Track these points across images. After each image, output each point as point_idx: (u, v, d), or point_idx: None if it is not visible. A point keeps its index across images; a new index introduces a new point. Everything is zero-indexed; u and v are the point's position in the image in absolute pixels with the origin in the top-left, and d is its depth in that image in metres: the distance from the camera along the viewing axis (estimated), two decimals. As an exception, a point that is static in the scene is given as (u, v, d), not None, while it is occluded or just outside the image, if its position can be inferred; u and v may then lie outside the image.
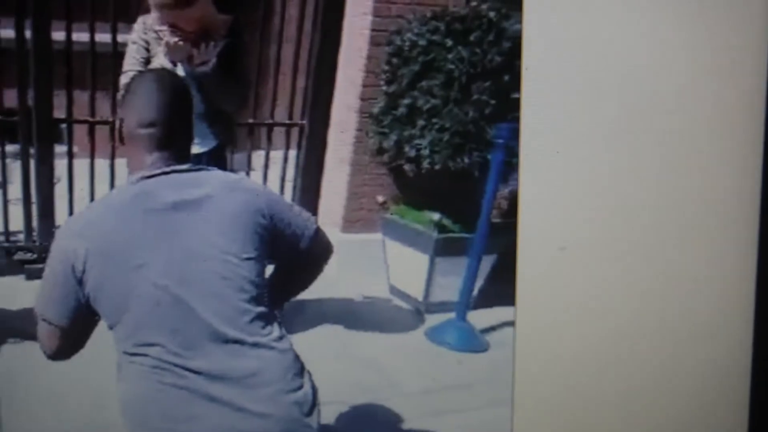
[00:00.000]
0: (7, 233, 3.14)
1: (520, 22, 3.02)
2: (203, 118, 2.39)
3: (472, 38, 3.03)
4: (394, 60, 3.28)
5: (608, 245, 0.95)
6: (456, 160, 3.07)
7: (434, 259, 3.13)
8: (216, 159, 2.46)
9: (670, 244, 0.94)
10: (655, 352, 0.96)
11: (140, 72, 2.17)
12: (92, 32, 3.01)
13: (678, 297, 0.94)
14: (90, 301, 1.34)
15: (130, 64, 2.40)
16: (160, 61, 2.32)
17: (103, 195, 1.63)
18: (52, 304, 1.37)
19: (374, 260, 3.41)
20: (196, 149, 2.32)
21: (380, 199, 3.63)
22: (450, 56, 3.04)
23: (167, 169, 1.36)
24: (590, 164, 0.94)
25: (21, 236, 3.14)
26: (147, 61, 2.37)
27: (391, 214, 3.40)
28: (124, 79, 2.32)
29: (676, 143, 0.91)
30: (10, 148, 3.15)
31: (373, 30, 3.32)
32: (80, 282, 1.32)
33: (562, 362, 1.00)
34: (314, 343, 2.58)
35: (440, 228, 3.15)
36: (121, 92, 2.18)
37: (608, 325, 0.97)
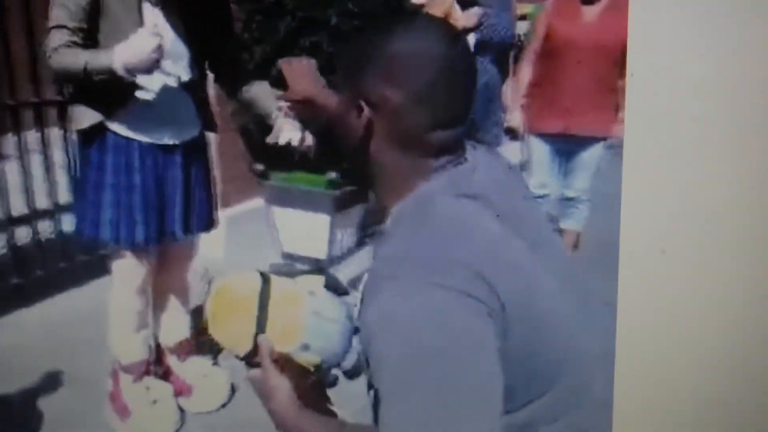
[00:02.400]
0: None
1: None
2: (188, 96, 2.03)
3: None
4: (258, 17, 3.18)
5: (710, 249, 0.94)
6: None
7: (335, 216, 3.19)
8: (200, 150, 2.12)
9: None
10: (760, 358, 0.95)
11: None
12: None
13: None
14: None
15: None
16: None
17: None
18: None
19: (258, 231, 3.33)
20: (171, 140, 1.97)
21: (259, 167, 3.61)
22: (332, 9, 3.25)
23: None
24: (693, 168, 0.93)
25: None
26: None
27: (274, 181, 3.32)
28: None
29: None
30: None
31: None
32: None
33: (662, 366, 1.00)
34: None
35: (336, 185, 3.19)
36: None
37: (710, 329, 0.97)
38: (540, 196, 3.22)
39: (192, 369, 2.29)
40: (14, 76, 2.91)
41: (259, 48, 3.26)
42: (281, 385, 1.04)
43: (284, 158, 3.18)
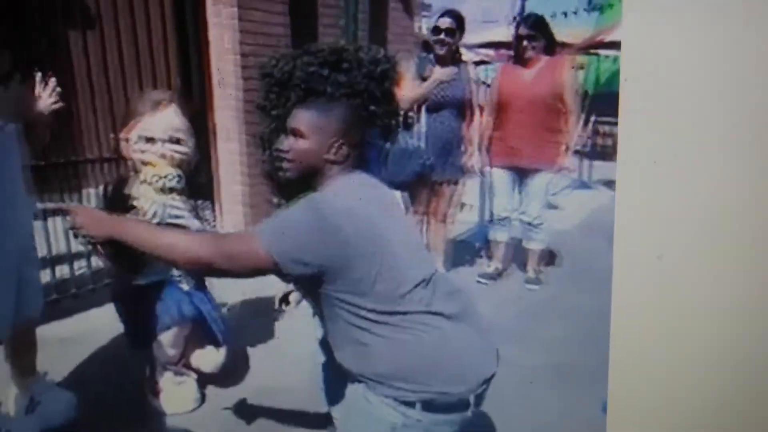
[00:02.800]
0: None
1: (371, 52, 4.07)
2: None
3: (344, 67, 4.24)
4: (275, 89, 4.19)
5: (706, 254, 0.94)
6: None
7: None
8: None
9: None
10: (756, 363, 0.97)
11: None
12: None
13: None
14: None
15: None
16: None
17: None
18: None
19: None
20: None
21: (274, 200, 4.35)
22: (328, 82, 4.20)
23: None
24: (688, 173, 0.93)
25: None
26: None
27: (285, 209, 4.24)
28: None
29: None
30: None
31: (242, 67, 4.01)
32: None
33: (657, 372, 1.01)
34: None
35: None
36: None
37: (706, 335, 0.97)
38: (503, 218, 3.82)
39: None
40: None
41: (274, 112, 4.21)
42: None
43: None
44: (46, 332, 2.43)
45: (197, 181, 2.54)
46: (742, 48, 0.92)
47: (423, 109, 3.66)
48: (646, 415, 1.07)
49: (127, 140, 2.29)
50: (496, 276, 4.02)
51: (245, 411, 2.37)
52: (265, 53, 3.94)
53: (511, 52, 3.87)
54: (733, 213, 0.96)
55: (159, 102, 2.29)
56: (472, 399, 1.70)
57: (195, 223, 2.29)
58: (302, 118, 1.89)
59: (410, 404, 1.66)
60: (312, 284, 1.66)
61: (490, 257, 4.11)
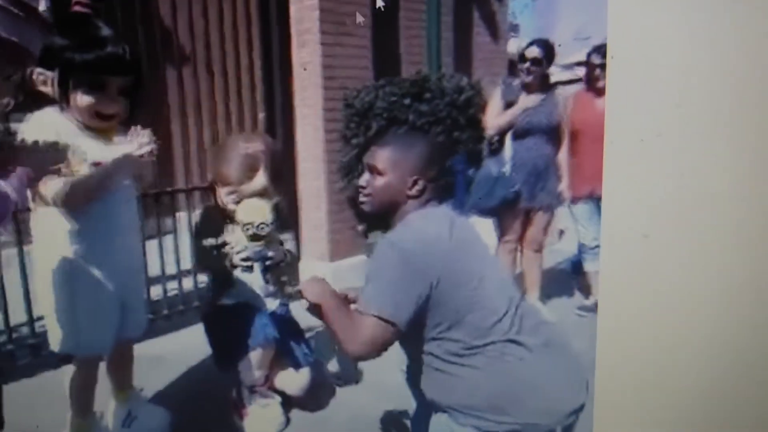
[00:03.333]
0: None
1: (454, 80, 4.13)
2: None
3: (426, 96, 3.93)
4: (355, 119, 3.98)
5: (692, 233, 0.94)
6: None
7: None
8: None
9: (755, 233, 0.93)
10: (741, 343, 0.96)
11: None
12: None
13: (765, 288, 0.95)
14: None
15: None
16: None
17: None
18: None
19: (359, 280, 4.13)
20: None
21: (360, 228, 4.21)
22: (410, 111, 3.90)
23: None
24: (674, 152, 0.92)
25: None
26: None
27: (371, 238, 4.08)
28: None
29: (764, 132, 0.90)
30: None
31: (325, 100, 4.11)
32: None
33: (644, 351, 1.01)
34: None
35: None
36: None
37: (692, 313, 0.97)
38: (593, 247, 3.68)
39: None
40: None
41: (354, 140, 4.32)
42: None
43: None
44: (139, 350, 2.53)
45: (281, 215, 2.63)
46: (728, 25, 0.92)
47: (509, 135, 3.60)
48: (632, 394, 1.07)
49: (218, 190, 2.46)
50: (595, 308, 3.90)
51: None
52: (349, 86, 4.08)
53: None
54: (719, 192, 0.96)
55: (251, 168, 2.41)
56: (559, 430, 1.68)
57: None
58: (380, 155, 1.84)
59: (495, 436, 1.59)
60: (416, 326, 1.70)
61: (588, 289, 3.94)
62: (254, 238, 2.31)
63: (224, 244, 2.36)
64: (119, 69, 2.00)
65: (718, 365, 1.02)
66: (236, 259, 2.32)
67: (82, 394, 2.20)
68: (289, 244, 2.55)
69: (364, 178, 1.86)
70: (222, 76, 3.83)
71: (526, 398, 1.65)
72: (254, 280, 2.43)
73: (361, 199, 1.88)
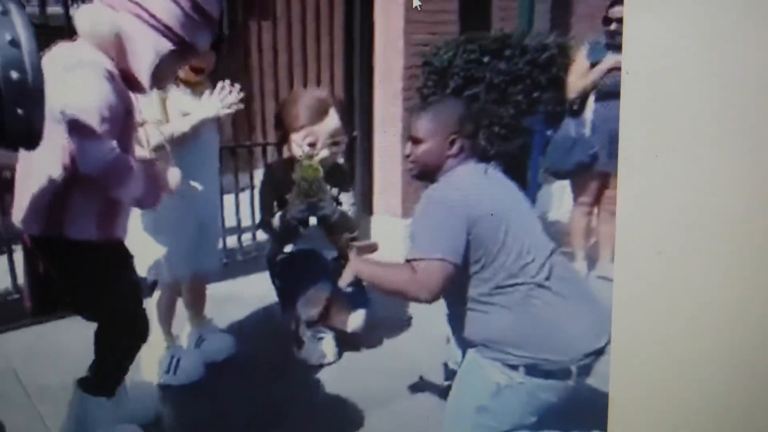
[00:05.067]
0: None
1: (539, 37, 4.22)
2: None
3: (506, 54, 4.02)
4: (433, 77, 4.15)
5: (707, 250, 0.96)
6: (504, 147, 4.11)
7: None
8: None
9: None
10: (757, 360, 0.98)
11: None
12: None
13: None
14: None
15: None
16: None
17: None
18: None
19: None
20: None
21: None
22: (488, 69, 4.01)
23: None
24: (689, 168, 0.95)
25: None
26: None
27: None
28: None
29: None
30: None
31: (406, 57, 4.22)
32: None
33: (659, 367, 1.04)
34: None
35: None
36: None
37: (706, 331, 0.99)
38: None
39: None
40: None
41: (431, 98, 4.48)
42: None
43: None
44: (215, 289, 2.96)
45: (342, 170, 2.96)
46: (744, 41, 0.93)
47: (592, 96, 3.70)
48: (647, 408, 1.09)
49: (292, 138, 2.75)
50: None
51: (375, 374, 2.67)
52: (432, 42, 4.25)
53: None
54: (734, 208, 0.97)
55: (322, 109, 2.71)
56: (574, 369, 1.90)
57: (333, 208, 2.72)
58: (418, 126, 2.11)
59: (514, 368, 1.89)
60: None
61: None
62: (307, 194, 2.60)
63: (285, 201, 2.66)
64: None
65: (734, 381, 1.02)
66: (292, 212, 2.64)
67: (164, 315, 2.62)
68: (348, 206, 2.89)
69: (408, 149, 2.13)
70: (301, 33, 4.07)
71: (546, 337, 1.88)
72: (314, 233, 2.78)
73: (408, 166, 2.17)
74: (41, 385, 2.46)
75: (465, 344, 2.10)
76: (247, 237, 3.97)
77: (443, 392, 2.27)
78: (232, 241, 3.89)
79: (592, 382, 1.95)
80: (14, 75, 1.17)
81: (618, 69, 3.52)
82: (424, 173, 2.13)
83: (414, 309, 3.19)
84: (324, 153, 2.71)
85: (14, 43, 1.17)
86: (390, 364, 2.77)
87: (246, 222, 3.88)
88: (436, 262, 1.88)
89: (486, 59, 4.10)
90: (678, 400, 1.07)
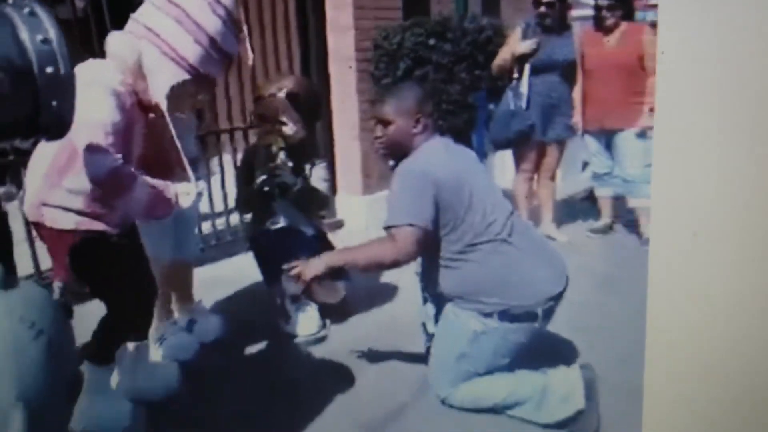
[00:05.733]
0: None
1: (476, 20, 4.49)
2: None
3: (449, 36, 4.25)
4: (384, 59, 4.33)
5: (742, 231, 0.94)
6: (452, 121, 4.33)
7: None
8: None
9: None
10: None
11: None
12: None
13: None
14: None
15: None
16: None
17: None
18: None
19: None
20: None
21: (390, 164, 4.96)
22: (435, 51, 4.24)
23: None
24: (725, 149, 0.93)
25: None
26: None
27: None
28: None
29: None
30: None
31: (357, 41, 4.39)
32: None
33: (694, 348, 1.03)
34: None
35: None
36: None
37: (742, 312, 0.97)
38: (602, 174, 4.15)
39: None
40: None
41: (384, 81, 4.71)
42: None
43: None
44: (199, 274, 3.08)
45: (311, 143, 3.10)
46: None
47: (527, 71, 3.93)
48: (682, 391, 1.08)
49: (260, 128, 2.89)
50: (606, 230, 4.35)
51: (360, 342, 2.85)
52: (379, 27, 4.46)
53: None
54: None
55: (282, 110, 2.88)
56: (540, 312, 2.13)
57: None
58: (384, 109, 2.31)
59: (489, 315, 2.12)
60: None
61: (598, 212, 4.39)
62: (267, 161, 2.84)
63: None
64: None
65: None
66: (258, 183, 2.82)
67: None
68: (320, 182, 3.07)
69: (378, 131, 2.32)
70: (258, 23, 4.22)
71: (513, 286, 2.10)
72: (288, 209, 2.96)
73: (378, 147, 2.37)
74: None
75: (440, 300, 2.32)
76: (221, 222, 4.12)
77: (425, 355, 2.46)
78: (206, 226, 4.02)
79: (624, 369, 2.19)
80: (49, 70, 1.21)
81: (532, 54, 3.93)
82: (395, 152, 2.31)
83: (396, 278, 3.33)
84: (289, 130, 2.86)
85: (46, 41, 1.21)
86: (374, 330, 2.97)
87: (219, 208, 4.01)
88: (408, 228, 2.08)
89: (432, 42, 4.34)
90: (714, 381, 1.04)
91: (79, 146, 1.79)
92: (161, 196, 1.93)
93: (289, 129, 2.86)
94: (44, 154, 1.90)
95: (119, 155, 1.82)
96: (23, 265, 3.24)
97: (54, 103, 1.25)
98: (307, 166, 3.01)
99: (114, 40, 1.90)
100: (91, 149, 1.78)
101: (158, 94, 1.85)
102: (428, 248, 2.16)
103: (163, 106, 1.86)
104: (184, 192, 2.02)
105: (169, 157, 2.11)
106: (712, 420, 1.06)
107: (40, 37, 1.22)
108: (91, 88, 1.80)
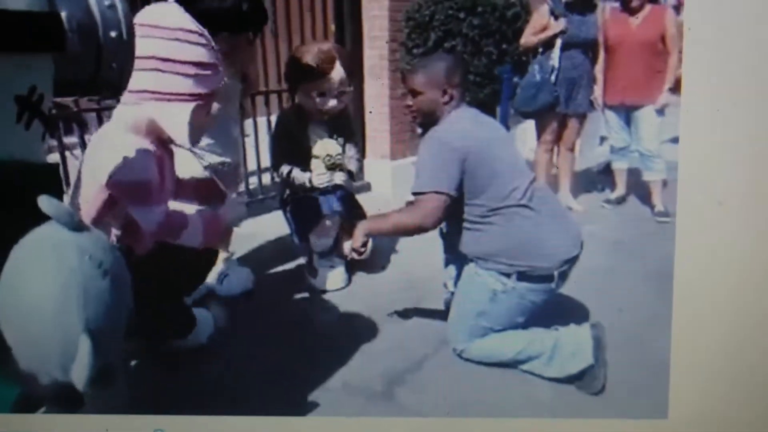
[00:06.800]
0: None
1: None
2: None
3: (479, 10, 4.31)
4: (417, 30, 4.40)
5: (766, 200, 0.96)
6: (478, 93, 4.45)
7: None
8: None
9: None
10: None
11: None
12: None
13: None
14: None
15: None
16: None
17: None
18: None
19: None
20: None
21: (418, 131, 5.05)
22: (464, 24, 4.36)
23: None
24: (749, 121, 0.94)
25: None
26: None
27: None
28: None
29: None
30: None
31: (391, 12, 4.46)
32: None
33: (719, 314, 1.03)
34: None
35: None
36: None
37: (766, 278, 0.97)
38: (620, 148, 4.24)
39: None
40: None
41: (415, 50, 4.80)
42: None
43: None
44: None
45: (349, 121, 3.14)
46: None
47: (558, 46, 4.03)
48: (709, 358, 1.07)
49: (302, 89, 2.92)
50: (620, 201, 4.42)
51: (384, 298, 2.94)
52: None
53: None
54: None
55: (328, 61, 2.86)
56: (556, 274, 2.19)
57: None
58: (415, 80, 2.37)
59: (508, 275, 2.19)
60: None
61: (614, 184, 4.45)
62: (330, 167, 2.92)
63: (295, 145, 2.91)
64: None
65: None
66: (315, 181, 2.92)
67: None
68: (352, 157, 3.10)
69: (409, 101, 2.39)
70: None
71: (532, 248, 2.18)
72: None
73: (411, 116, 2.45)
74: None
75: (461, 260, 2.39)
76: (253, 180, 4.23)
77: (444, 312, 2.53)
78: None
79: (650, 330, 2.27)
80: (113, 33, 1.28)
81: (563, 32, 3.98)
82: (424, 120, 2.37)
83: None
84: (332, 103, 2.88)
85: (112, 6, 1.28)
86: (397, 287, 3.06)
87: (252, 167, 4.11)
88: (433, 195, 2.16)
89: (461, 15, 4.36)
90: (740, 347, 1.03)
91: (128, 209, 1.87)
92: (214, 224, 2.00)
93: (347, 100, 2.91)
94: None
95: (163, 204, 1.89)
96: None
97: (114, 64, 1.32)
98: (341, 140, 3.03)
99: (121, 113, 1.96)
100: (138, 209, 1.87)
101: (180, 136, 1.92)
102: (452, 213, 2.22)
103: (187, 143, 1.93)
104: (235, 209, 2.14)
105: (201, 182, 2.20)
106: (739, 385, 1.08)
107: (107, 2, 1.29)
108: (121, 152, 1.87)
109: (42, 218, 1.14)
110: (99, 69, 1.29)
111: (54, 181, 1.36)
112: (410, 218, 2.22)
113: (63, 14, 1.21)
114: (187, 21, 1.87)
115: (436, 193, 2.15)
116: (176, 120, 1.87)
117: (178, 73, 1.84)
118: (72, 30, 1.20)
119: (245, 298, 2.95)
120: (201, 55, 1.87)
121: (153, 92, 1.85)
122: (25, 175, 1.22)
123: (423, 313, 2.74)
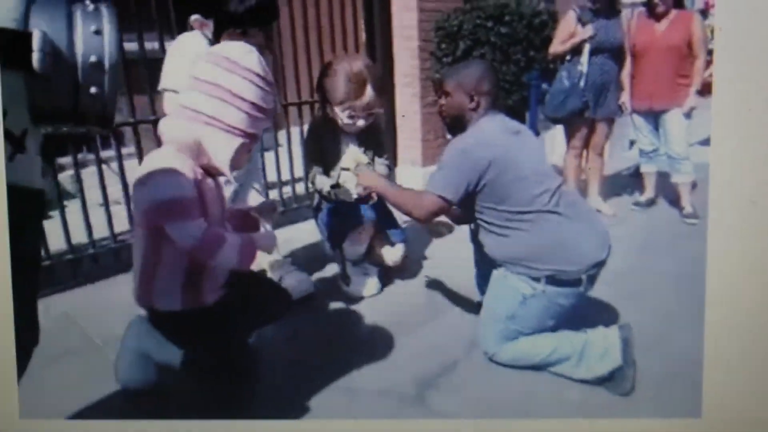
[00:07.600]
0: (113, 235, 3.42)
1: (532, 5, 4.48)
2: None
3: (506, 19, 4.28)
4: (446, 40, 4.40)
5: None
6: (506, 100, 4.44)
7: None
8: None
9: None
10: None
11: None
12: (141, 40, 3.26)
13: None
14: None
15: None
16: None
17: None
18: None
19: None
20: None
21: (448, 137, 5.02)
22: (492, 33, 4.32)
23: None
24: None
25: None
26: None
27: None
28: None
29: None
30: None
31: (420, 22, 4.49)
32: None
33: (753, 313, 1.01)
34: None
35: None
36: None
37: None
38: (649, 152, 4.19)
39: None
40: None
41: (445, 59, 4.79)
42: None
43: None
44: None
45: (379, 136, 3.11)
46: None
47: (586, 52, 3.98)
48: (743, 356, 1.06)
49: (332, 108, 2.88)
50: (649, 204, 4.39)
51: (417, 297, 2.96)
52: (442, 9, 4.50)
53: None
54: None
55: (360, 84, 2.81)
56: (584, 278, 2.16)
57: None
58: (447, 82, 2.38)
59: (537, 279, 2.17)
60: (468, 200, 2.25)
61: (643, 188, 4.42)
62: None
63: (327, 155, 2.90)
64: None
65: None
66: (342, 196, 2.88)
67: None
68: (381, 165, 3.03)
69: (441, 101, 2.41)
70: (327, 5, 4.28)
71: (560, 252, 2.15)
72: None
73: (442, 117, 2.46)
74: (113, 335, 2.34)
75: (491, 264, 2.37)
76: (287, 190, 4.25)
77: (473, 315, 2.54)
78: (273, 194, 4.10)
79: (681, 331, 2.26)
80: (92, 59, 1.24)
81: (591, 38, 3.93)
82: (453, 123, 2.40)
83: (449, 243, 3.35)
84: (361, 123, 2.85)
85: (98, 32, 1.25)
86: (428, 292, 3.07)
87: (285, 176, 4.15)
88: (436, 197, 2.22)
89: (490, 24, 4.36)
90: None
91: (163, 222, 1.88)
92: (249, 247, 2.01)
93: (369, 95, 2.85)
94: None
95: (202, 220, 1.91)
96: (99, 229, 3.41)
97: (93, 89, 1.27)
98: (370, 153, 2.98)
99: (167, 126, 1.98)
100: (177, 224, 1.88)
101: (222, 165, 1.95)
102: (480, 216, 2.27)
103: (227, 172, 1.96)
104: (268, 240, 2.15)
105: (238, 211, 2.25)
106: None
107: (93, 27, 1.26)
108: (163, 171, 1.92)
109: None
110: (77, 94, 1.26)
111: (34, 205, 1.35)
112: (408, 202, 2.31)
113: (38, 34, 1.18)
114: (263, 67, 1.94)
115: (439, 197, 2.21)
116: (223, 149, 1.92)
117: (239, 109, 1.89)
118: (44, 51, 1.18)
119: (306, 301, 2.97)
120: (264, 99, 1.94)
121: (210, 117, 1.90)
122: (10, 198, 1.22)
123: (454, 317, 2.77)
